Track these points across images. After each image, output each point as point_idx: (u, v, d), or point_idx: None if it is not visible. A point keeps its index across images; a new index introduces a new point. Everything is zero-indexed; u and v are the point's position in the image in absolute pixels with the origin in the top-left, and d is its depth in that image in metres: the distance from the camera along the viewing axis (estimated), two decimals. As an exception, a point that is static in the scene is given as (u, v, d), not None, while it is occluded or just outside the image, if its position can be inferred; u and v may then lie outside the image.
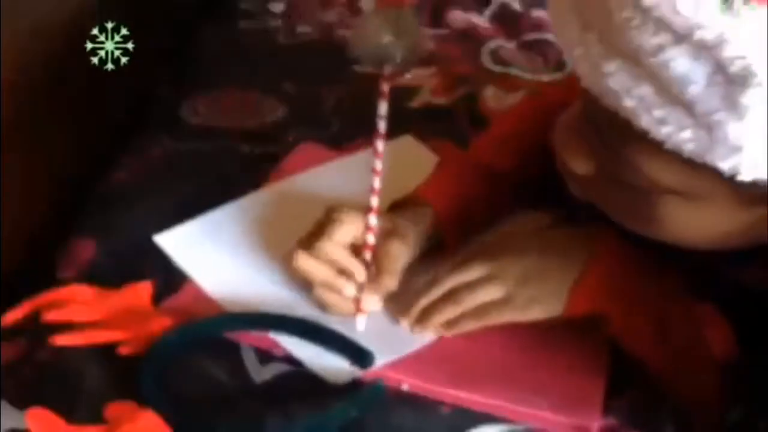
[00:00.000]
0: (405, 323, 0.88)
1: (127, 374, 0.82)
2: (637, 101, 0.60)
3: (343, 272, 0.86)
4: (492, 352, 0.86)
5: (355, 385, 0.82)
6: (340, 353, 0.85)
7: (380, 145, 0.86)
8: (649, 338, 0.82)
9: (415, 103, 1.23)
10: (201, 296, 0.91)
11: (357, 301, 0.87)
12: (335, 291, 0.86)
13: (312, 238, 0.87)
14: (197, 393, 0.82)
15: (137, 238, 0.97)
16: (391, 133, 1.11)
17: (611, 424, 0.80)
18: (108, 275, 0.93)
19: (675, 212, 0.68)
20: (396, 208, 0.93)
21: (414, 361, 0.85)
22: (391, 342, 0.86)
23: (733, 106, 0.57)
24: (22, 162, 0.99)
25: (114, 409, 0.78)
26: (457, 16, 1.42)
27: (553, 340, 0.86)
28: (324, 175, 1.05)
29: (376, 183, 0.86)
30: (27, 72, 1.00)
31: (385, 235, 0.88)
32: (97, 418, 0.78)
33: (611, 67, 0.60)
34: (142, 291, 0.89)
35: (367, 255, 0.87)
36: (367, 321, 0.87)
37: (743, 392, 0.76)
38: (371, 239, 0.87)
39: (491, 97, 1.23)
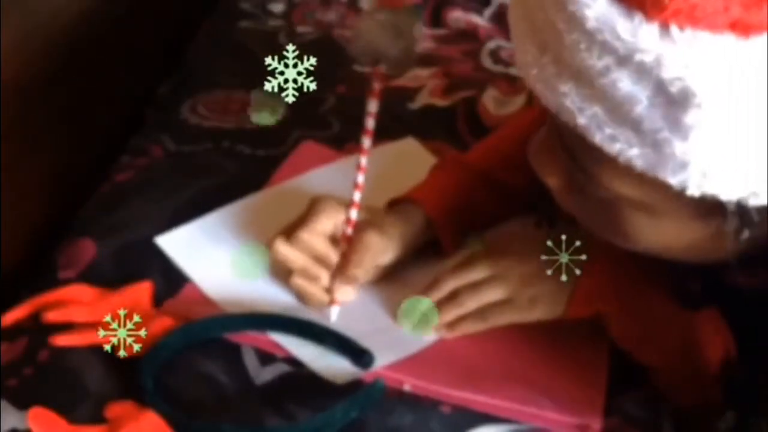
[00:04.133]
0: (407, 324, 0.88)
1: (127, 374, 0.82)
2: (589, 119, 0.62)
3: (320, 261, 0.88)
4: (494, 353, 0.86)
5: (355, 385, 0.82)
6: (341, 354, 0.85)
7: (367, 142, 0.87)
8: (645, 340, 0.82)
9: (415, 104, 1.23)
10: (201, 297, 0.91)
11: (330, 292, 0.88)
12: (312, 279, 0.88)
13: (293, 228, 0.89)
14: (197, 393, 0.82)
15: (137, 238, 0.97)
16: (391, 134, 1.12)
17: (612, 424, 0.80)
18: (108, 275, 0.93)
19: (638, 224, 0.70)
20: (389, 207, 0.94)
21: (415, 362, 0.85)
22: (392, 343, 0.86)
23: (676, 125, 0.59)
24: (22, 162, 0.99)
25: (115, 409, 0.78)
26: (457, 16, 1.42)
27: (554, 340, 0.86)
28: (324, 177, 1.05)
29: (360, 179, 0.88)
30: (27, 72, 1.00)
31: (364, 227, 0.89)
32: (97, 418, 0.78)
33: (565, 87, 0.62)
34: (142, 291, 0.89)
35: (343, 246, 0.88)
36: (369, 322, 0.88)
37: (737, 397, 0.76)
38: (350, 231, 0.88)
39: (491, 101, 1.23)
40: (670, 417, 0.81)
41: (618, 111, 0.60)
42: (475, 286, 0.87)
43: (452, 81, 1.27)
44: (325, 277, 0.88)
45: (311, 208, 0.90)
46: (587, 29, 0.60)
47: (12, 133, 0.96)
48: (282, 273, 0.91)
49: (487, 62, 1.33)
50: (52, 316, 0.86)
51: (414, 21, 0.84)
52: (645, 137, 0.60)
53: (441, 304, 0.87)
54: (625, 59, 0.59)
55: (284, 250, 0.88)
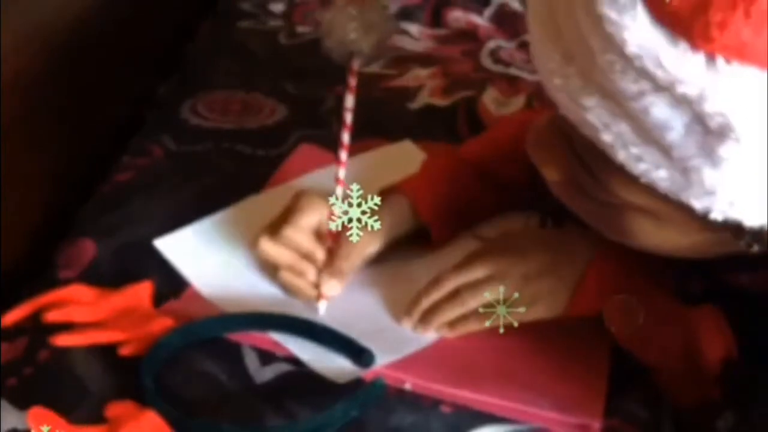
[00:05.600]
0: (407, 323, 0.88)
1: (127, 374, 0.82)
2: (614, 137, 0.60)
3: (306, 256, 0.88)
4: (494, 352, 0.86)
5: (356, 384, 0.82)
6: (342, 353, 0.85)
7: (346, 136, 0.88)
8: (646, 340, 0.82)
9: (415, 104, 1.23)
10: (202, 297, 0.91)
11: (317, 287, 0.88)
12: (299, 274, 0.88)
13: (277, 223, 0.89)
14: (198, 393, 0.82)
15: (137, 238, 0.97)
16: (391, 134, 1.12)
17: (612, 424, 0.80)
18: (108, 275, 0.93)
19: (643, 229, 0.69)
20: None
21: (416, 361, 0.85)
22: (393, 342, 0.86)
23: (709, 154, 0.58)
24: (22, 162, 0.99)
25: (115, 409, 0.78)
26: (457, 16, 1.42)
27: (555, 340, 0.86)
28: (323, 179, 1.04)
29: (341, 173, 0.88)
30: (28, 72, 1.00)
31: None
32: (97, 418, 0.78)
33: (590, 101, 0.60)
34: (142, 291, 0.89)
35: (328, 241, 0.89)
36: (370, 321, 0.88)
37: (737, 397, 0.76)
38: (333, 226, 0.88)
39: (491, 102, 1.23)
40: (670, 417, 0.81)
41: (648, 133, 0.59)
42: (476, 285, 0.87)
43: (452, 81, 1.27)
44: (311, 272, 0.88)
45: (294, 203, 0.90)
46: (625, 53, 0.57)
47: (12, 132, 0.96)
48: (269, 269, 0.91)
49: (487, 62, 1.33)
50: (52, 316, 0.86)
51: (385, 13, 0.84)
52: (674, 162, 0.59)
53: (442, 303, 0.87)
54: (664, 87, 0.57)
55: (269, 248, 0.88)
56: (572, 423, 0.80)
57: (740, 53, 0.55)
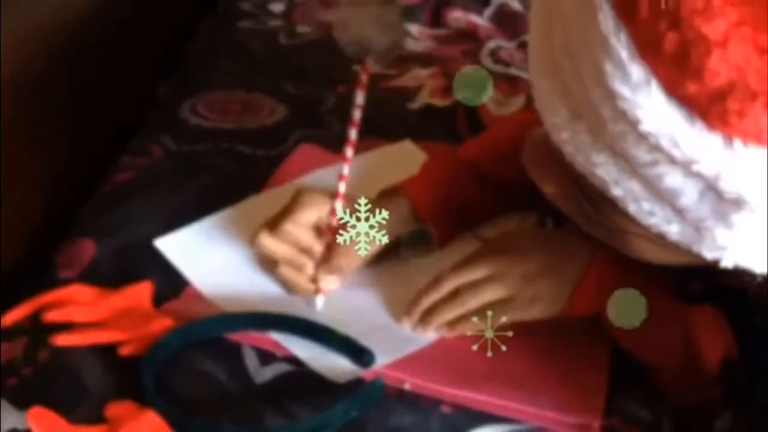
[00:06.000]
0: (407, 323, 0.88)
1: (127, 374, 0.82)
2: (624, 191, 0.59)
3: (305, 251, 0.89)
4: (494, 352, 0.86)
5: (356, 384, 0.82)
6: (341, 353, 0.85)
7: (353, 133, 0.88)
8: (645, 339, 0.82)
9: (415, 104, 1.23)
10: (202, 297, 0.91)
11: (315, 281, 0.89)
12: (297, 269, 0.88)
13: (277, 219, 0.89)
14: (198, 393, 0.82)
15: (137, 238, 0.97)
16: (391, 135, 1.12)
17: (612, 424, 0.80)
18: (108, 275, 0.93)
19: (640, 247, 0.68)
20: (378, 199, 0.94)
21: (416, 361, 0.85)
22: (393, 342, 0.86)
23: (723, 218, 0.57)
24: (22, 162, 0.99)
25: (115, 409, 0.78)
26: (457, 16, 1.42)
27: (555, 339, 0.86)
28: (323, 179, 1.04)
29: (345, 170, 0.88)
30: (28, 72, 1.00)
31: None
32: (97, 417, 0.78)
33: (600, 158, 0.59)
34: (142, 291, 0.89)
35: (328, 237, 0.89)
36: (370, 321, 0.88)
37: (736, 397, 0.76)
38: (334, 222, 0.89)
39: (491, 102, 1.23)
40: (670, 417, 0.81)
41: (660, 193, 0.58)
42: (475, 285, 0.87)
43: (452, 81, 1.27)
44: (310, 267, 0.89)
45: (294, 199, 0.90)
46: (640, 130, 0.56)
47: (12, 133, 0.96)
48: (268, 265, 0.91)
49: (487, 62, 1.33)
50: (52, 316, 0.86)
51: (400, 13, 0.84)
52: (687, 221, 0.58)
53: (442, 303, 0.87)
54: (679, 163, 0.56)
55: (268, 242, 0.89)
56: (572, 423, 0.80)
57: (759, 138, 0.54)
